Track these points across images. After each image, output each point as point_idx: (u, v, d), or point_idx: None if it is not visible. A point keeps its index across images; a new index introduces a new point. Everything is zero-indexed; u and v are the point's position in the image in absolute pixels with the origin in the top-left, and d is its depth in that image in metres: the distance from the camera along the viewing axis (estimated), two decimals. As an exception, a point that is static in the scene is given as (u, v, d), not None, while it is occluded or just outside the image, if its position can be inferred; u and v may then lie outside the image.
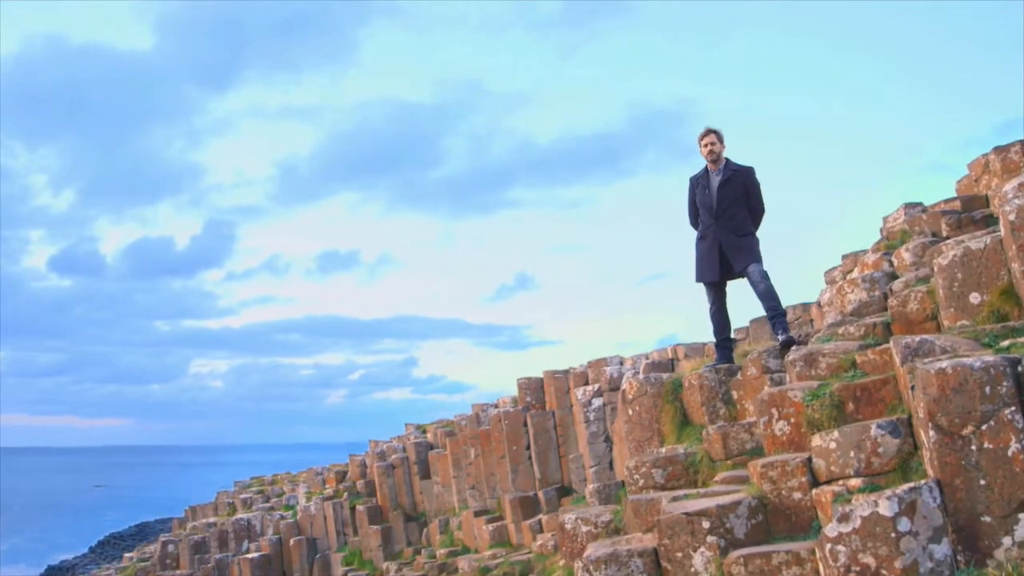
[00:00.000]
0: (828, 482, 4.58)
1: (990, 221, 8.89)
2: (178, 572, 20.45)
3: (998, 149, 9.32)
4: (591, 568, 4.95)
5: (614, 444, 14.22)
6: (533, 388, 16.09)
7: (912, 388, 4.29)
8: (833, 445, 4.55)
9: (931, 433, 4.00)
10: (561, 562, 11.79)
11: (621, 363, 14.89)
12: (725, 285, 7.46)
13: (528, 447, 15.65)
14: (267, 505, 22.04)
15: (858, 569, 3.88)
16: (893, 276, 8.49)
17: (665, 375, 7.64)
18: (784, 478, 4.72)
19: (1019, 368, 3.96)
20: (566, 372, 15.61)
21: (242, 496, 23.41)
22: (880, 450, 4.40)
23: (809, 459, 4.71)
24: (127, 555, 24.75)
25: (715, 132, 7.32)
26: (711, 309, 7.47)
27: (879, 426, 4.43)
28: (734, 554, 4.51)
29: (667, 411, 7.24)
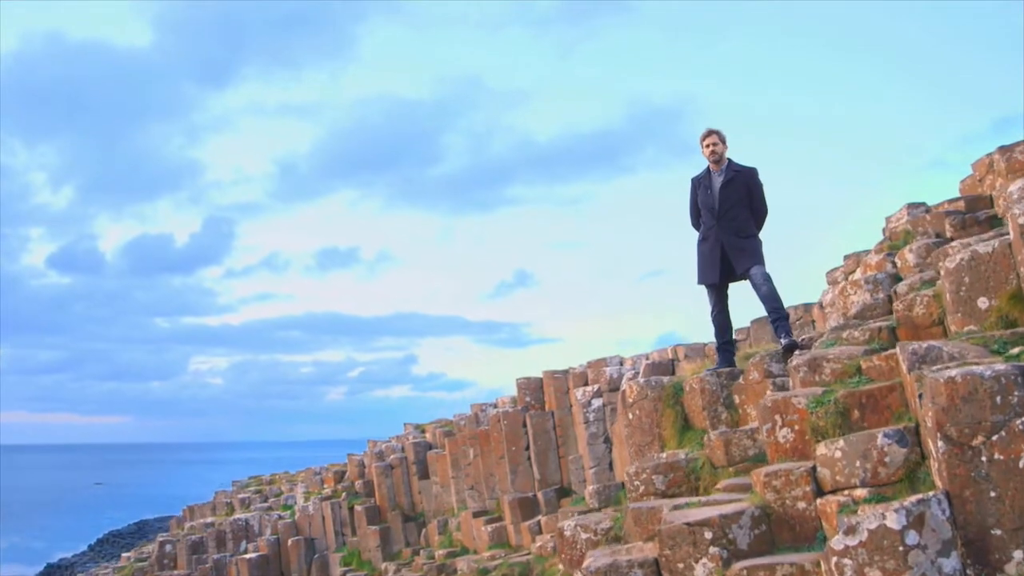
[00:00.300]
0: (833, 492, 4.48)
1: (995, 222, 8.78)
2: (176, 572, 20.35)
3: (1003, 149, 9.20)
4: (591, 578, 4.85)
5: (614, 445, 14.12)
6: (532, 388, 15.98)
7: (920, 396, 4.18)
8: (838, 454, 4.45)
9: (940, 443, 3.89)
10: (560, 567, 11.71)
11: (621, 363, 14.79)
12: (727, 287, 7.35)
13: (527, 448, 15.55)
14: (265, 505, 21.95)
15: (865, 583, 3.78)
16: (897, 277, 8.38)
17: (666, 379, 7.53)
18: (788, 487, 4.62)
19: (1031, 376, 3.85)
20: (565, 372, 15.50)
21: (240, 496, 23.32)
22: (887, 460, 4.30)
23: (814, 468, 4.60)
24: (125, 555, 24.66)
25: (717, 133, 7.22)
26: (712, 312, 7.36)
27: (886, 435, 4.32)
28: (737, 565, 4.41)
29: (668, 415, 7.13)
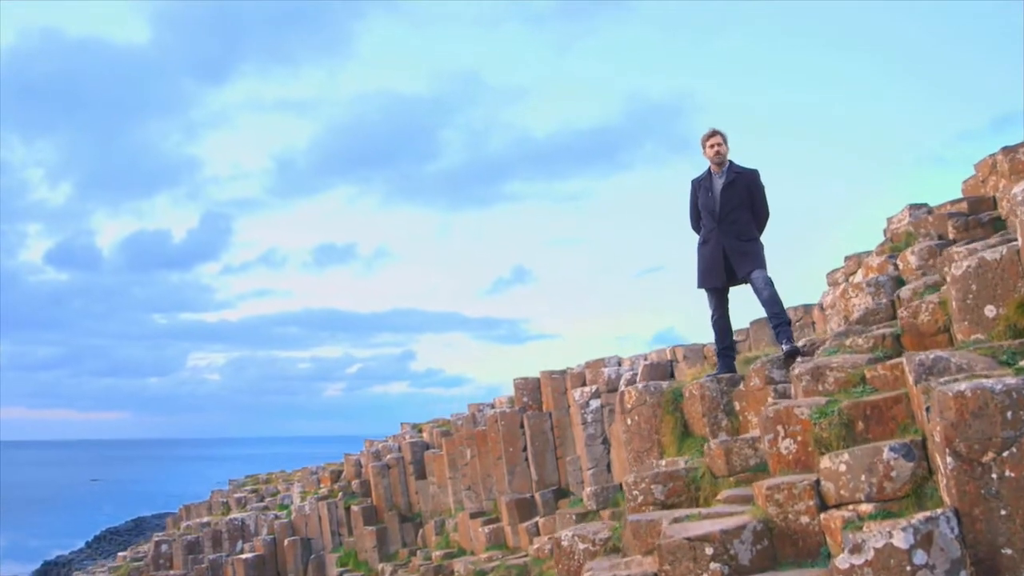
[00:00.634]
0: (838, 506, 4.36)
1: (998, 224, 8.66)
2: (172, 572, 20.24)
3: (1006, 150, 9.08)
4: (589, 593, 4.74)
5: (612, 447, 14.01)
6: (530, 388, 15.86)
7: (927, 409, 4.07)
8: (843, 468, 4.33)
9: (948, 459, 3.78)
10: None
11: (619, 364, 14.67)
12: (728, 292, 7.23)
13: (525, 448, 15.43)
14: (261, 504, 21.83)
15: (871, 603, 3.66)
16: (899, 280, 8.27)
17: (665, 384, 7.41)
18: (791, 501, 4.50)
19: (1042, 391, 3.73)
20: (563, 373, 15.38)
21: (236, 495, 23.19)
22: (893, 474, 4.18)
23: (817, 481, 4.48)
24: (121, 554, 24.53)
25: (721, 133, 7.09)
26: (713, 316, 7.24)
27: (892, 449, 4.20)
28: (738, 582, 4.29)
29: (667, 421, 7.02)
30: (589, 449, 14.22)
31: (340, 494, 19.53)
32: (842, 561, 3.78)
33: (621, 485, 13.42)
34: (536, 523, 14.60)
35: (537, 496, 15.01)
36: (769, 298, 6.91)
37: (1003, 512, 3.69)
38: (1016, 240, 5.16)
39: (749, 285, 7.07)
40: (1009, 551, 3.68)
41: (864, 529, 4.05)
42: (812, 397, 5.19)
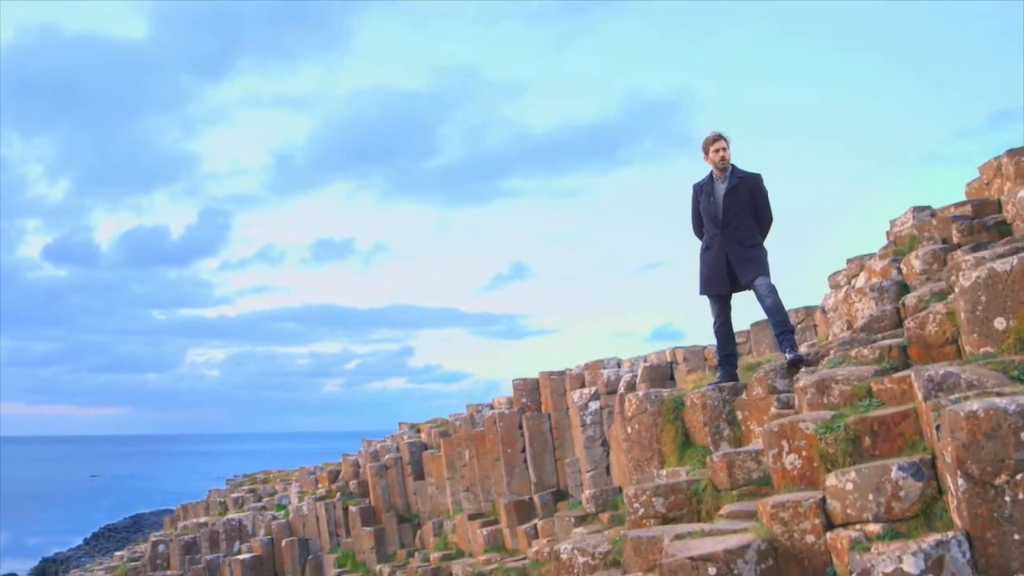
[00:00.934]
0: (844, 526, 4.24)
1: (1003, 228, 8.54)
2: (169, 573, 20.15)
3: (1011, 152, 8.96)
4: (588, 612, 4.63)
5: (611, 449, 13.91)
6: (529, 389, 15.76)
7: (937, 428, 3.95)
8: (850, 486, 4.21)
9: (960, 481, 3.66)
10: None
11: (618, 365, 14.57)
12: (730, 298, 7.11)
13: (523, 450, 15.33)
14: (259, 504, 21.73)
15: (880, 629, 3.55)
16: (903, 285, 8.15)
17: (666, 392, 7.29)
18: (796, 519, 4.38)
19: (1057, 411, 3.62)
20: (562, 373, 15.28)
21: (233, 495, 23.09)
22: (901, 494, 4.06)
23: (823, 500, 4.36)
24: (118, 553, 24.45)
25: (725, 138, 6.96)
26: (715, 323, 7.11)
27: (900, 468, 4.09)
28: (742, 603, 4.18)
29: (668, 430, 6.90)
30: (588, 451, 14.12)
31: (338, 494, 19.43)
32: (850, 585, 3.67)
33: (620, 488, 13.34)
34: (535, 526, 14.50)
35: (536, 498, 14.92)
36: (772, 306, 6.79)
37: (1016, 536, 3.58)
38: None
39: (752, 292, 6.95)
40: (1023, 577, 3.57)
41: (872, 550, 3.94)
42: (817, 411, 5.07)
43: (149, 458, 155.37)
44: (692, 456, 6.62)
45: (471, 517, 15.89)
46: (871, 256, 10.03)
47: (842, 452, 4.56)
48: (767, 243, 7.23)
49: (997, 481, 3.61)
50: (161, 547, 20.90)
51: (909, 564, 3.56)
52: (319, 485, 20.65)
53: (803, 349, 8.69)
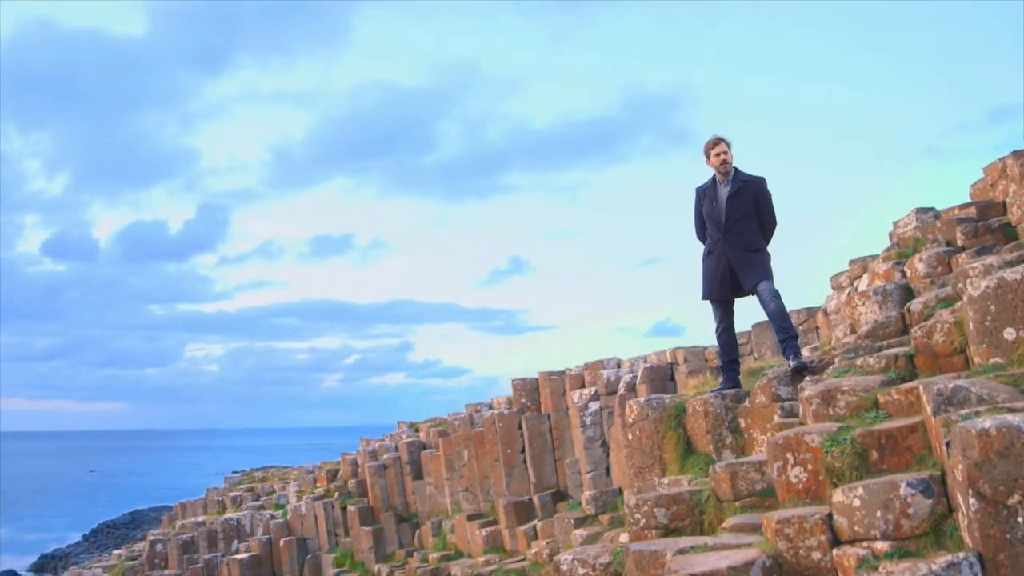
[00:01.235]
0: (851, 542, 4.15)
1: (1008, 230, 8.44)
2: (167, 572, 20.08)
3: (1016, 153, 8.86)
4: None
5: (611, 450, 13.83)
6: (528, 389, 15.67)
7: (947, 444, 3.86)
8: (857, 503, 4.12)
9: (972, 501, 3.57)
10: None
11: (618, 365, 14.48)
12: (733, 303, 7.01)
13: (523, 450, 15.25)
14: (257, 503, 21.66)
15: (889, 653, 3.46)
16: (907, 289, 8.05)
17: (667, 398, 7.19)
18: (802, 536, 4.29)
19: (1071, 429, 3.52)
20: (562, 374, 15.19)
21: (232, 494, 23.02)
22: (910, 511, 3.97)
23: (830, 515, 4.27)
24: (116, 552, 24.39)
25: (726, 141, 6.85)
26: (717, 329, 7.01)
27: (909, 484, 3.99)
28: (747, 621, 4.09)
29: (670, 437, 6.81)
30: (588, 452, 14.03)
31: (336, 494, 19.36)
32: (858, 607, 3.58)
33: (620, 489, 13.25)
34: (534, 527, 14.43)
35: (535, 499, 14.84)
36: (776, 311, 6.69)
37: (1029, 558, 3.49)
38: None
39: (756, 297, 6.85)
40: (1036, 599, 3.48)
41: (880, 569, 3.85)
42: (823, 422, 4.97)
43: (148, 453, 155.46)
44: (694, 464, 6.53)
45: (470, 518, 15.81)
46: (874, 258, 9.93)
47: (848, 466, 4.46)
48: (770, 247, 7.13)
49: (1010, 501, 3.52)
50: (159, 546, 20.83)
51: (919, 586, 3.47)
52: (317, 484, 20.58)
53: (806, 353, 8.60)
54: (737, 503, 5.36)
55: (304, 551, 19.23)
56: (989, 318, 4.77)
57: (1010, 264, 5.54)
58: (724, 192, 6.82)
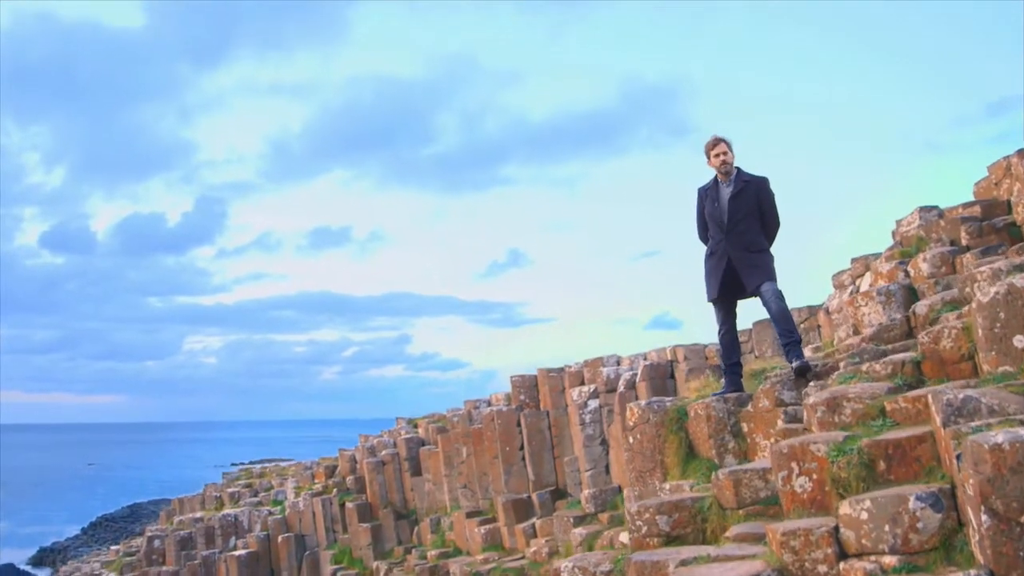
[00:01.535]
0: (858, 556, 4.06)
1: (1013, 230, 8.34)
2: (164, 568, 20.02)
3: (1022, 152, 8.75)
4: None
5: (610, 448, 13.75)
6: (527, 386, 15.59)
7: (958, 457, 3.77)
8: (865, 516, 4.03)
9: (984, 517, 3.48)
10: (557, 563, 11.37)
11: (618, 363, 14.39)
12: (736, 305, 6.91)
13: (522, 447, 15.17)
14: (255, 499, 21.60)
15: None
16: (911, 289, 7.96)
17: (668, 401, 7.10)
18: (808, 548, 4.20)
19: (1086, 443, 3.43)
20: (561, 371, 15.11)
21: (229, 490, 22.95)
22: (919, 525, 3.88)
23: (836, 528, 4.18)
24: (113, 547, 24.34)
25: (725, 141, 6.74)
26: (720, 331, 6.91)
27: (918, 498, 3.90)
28: (752, 636, 4.01)
29: (671, 441, 6.72)
30: (587, 450, 13.96)
31: (334, 490, 19.29)
32: (867, 626, 3.49)
33: (620, 488, 13.18)
34: (533, 525, 14.36)
35: (534, 496, 14.77)
36: (779, 313, 6.59)
37: (1043, 576, 3.40)
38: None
39: (758, 298, 6.75)
40: (1049, 619, 3.39)
41: (888, 586, 3.76)
42: (828, 430, 4.88)
43: (146, 446, 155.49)
44: (696, 469, 6.44)
45: (469, 515, 15.74)
46: (876, 256, 9.83)
47: (855, 477, 4.37)
48: (773, 247, 7.02)
49: (1023, 518, 3.43)
50: (156, 542, 20.78)
51: (930, 605, 3.38)
52: (315, 480, 20.51)
53: (808, 353, 8.50)
54: (740, 511, 5.27)
55: (302, 548, 19.17)
56: (998, 325, 4.68)
57: (1019, 268, 5.45)
58: (726, 192, 6.72)
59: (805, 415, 5.44)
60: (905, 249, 9.17)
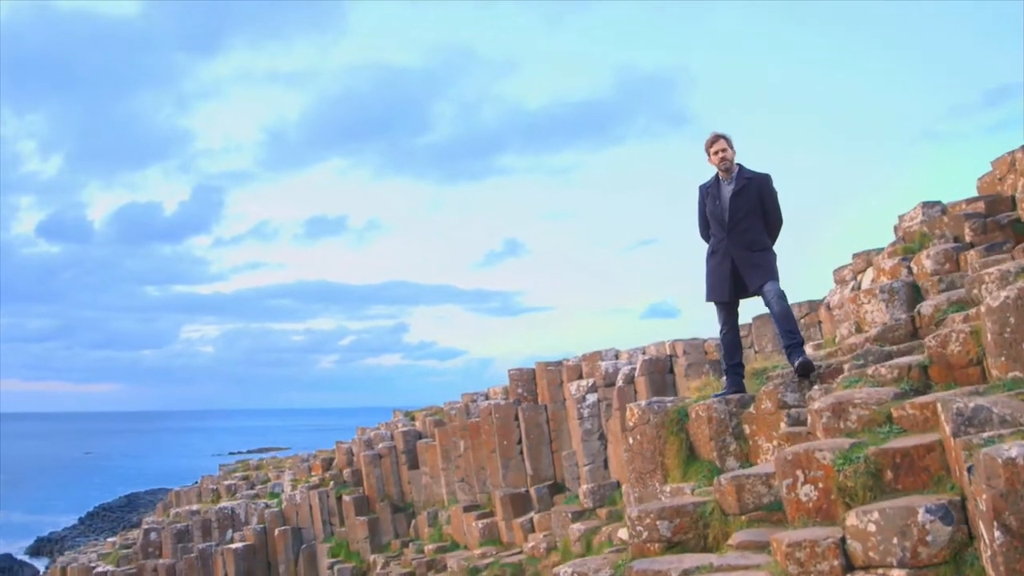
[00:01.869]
0: (865, 569, 3.96)
1: (1017, 226, 8.24)
2: (160, 561, 19.96)
3: (1026, 147, 8.65)
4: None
5: (609, 442, 13.67)
6: (525, 379, 15.51)
7: (969, 469, 3.67)
8: (872, 527, 3.93)
9: (996, 533, 3.38)
10: (554, 568, 11.29)
11: (616, 357, 14.31)
12: (737, 305, 6.79)
13: (519, 441, 15.10)
14: (252, 492, 21.53)
15: None
16: (914, 287, 7.85)
17: (669, 401, 6.99)
18: (813, 560, 4.10)
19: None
20: (559, 364, 15.02)
21: (226, 483, 22.88)
22: (929, 539, 3.79)
23: (843, 539, 4.08)
24: (110, 540, 24.26)
25: (725, 138, 6.60)
26: (721, 331, 6.79)
27: (928, 510, 3.81)
28: (756, 650, 3.92)
29: (672, 443, 6.62)
30: (585, 444, 13.88)
31: (331, 483, 19.22)
32: (875, 644, 3.40)
33: (619, 483, 13.11)
34: (531, 519, 14.30)
35: (532, 491, 14.71)
36: (781, 313, 6.47)
37: (1058, 594, 3.31)
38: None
39: (761, 298, 6.63)
40: (1063, 638, 3.30)
41: (897, 601, 3.67)
42: (834, 437, 4.78)
43: (143, 435, 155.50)
44: (697, 471, 6.34)
45: (466, 509, 15.69)
46: (878, 252, 9.72)
47: (862, 486, 4.27)
48: (775, 246, 6.90)
49: (1037, 535, 3.33)
50: (153, 535, 20.71)
51: (941, 623, 3.29)
52: (312, 473, 20.45)
53: (809, 350, 8.40)
54: (743, 517, 5.17)
55: (299, 541, 19.12)
56: (1008, 330, 4.57)
57: (1028, 271, 5.34)
58: (728, 190, 6.59)
59: (809, 419, 5.35)
60: (908, 245, 9.06)
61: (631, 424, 6.96)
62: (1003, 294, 4.58)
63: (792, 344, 6.37)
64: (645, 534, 5.40)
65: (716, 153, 6.59)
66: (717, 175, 6.71)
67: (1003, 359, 4.60)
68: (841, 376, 5.75)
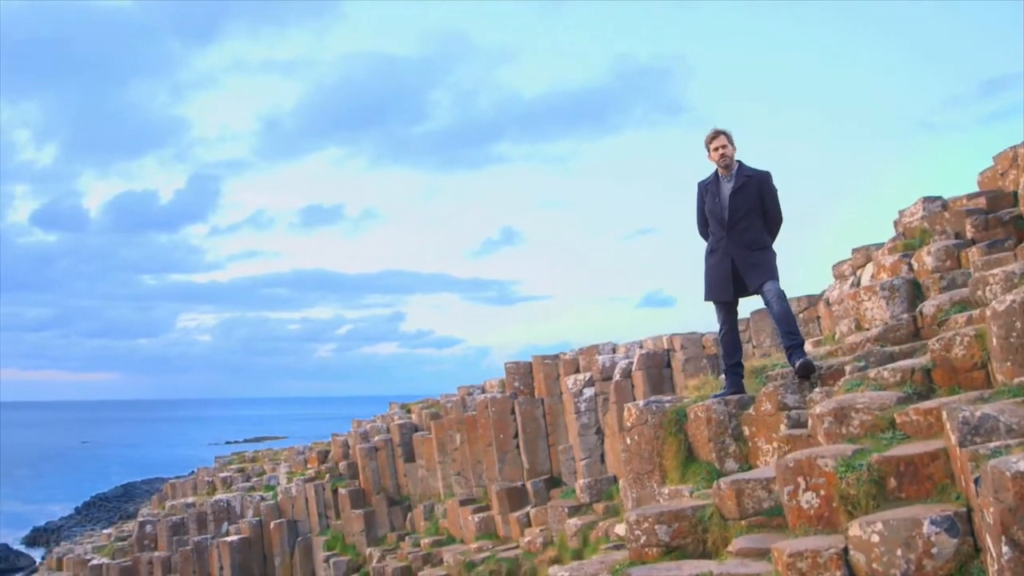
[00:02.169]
0: (868, 580, 3.89)
1: (1019, 223, 8.14)
2: (156, 554, 19.90)
3: (1029, 143, 8.54)
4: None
5: (606, 437, 13.61)
6: (521, 373, 15.43)
7: (976, 481, 3.58)
8: (876, 538, 3.85)
9: (1004, 548, 3.30)
10: (549, 569, 11.25)
11: (613, 351, 14.23)
12: (737, 304, 6.69)
13: (516, 435, 15.04)
14: (247, 485, 21.46)
15: None
16: (915, 284, 7.77)
17: (667, 401, 6.90)
18: (815, 571, 4.02)
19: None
20: (556, 358, 14.94)
21: (222, 475, 22.80)
22: (934, 551, 3.71)
23: (846, 550, 4.00)
24: (105, 532, 24.20)
25: (725, 134, 6.47)
26: (721, 331, 6.69)
27: (933, 522, 3.72)
28: (757, 662, 3.85)
29: (670, 444, 6.53)
30: (582, 439, 13.81)
31: (327, 476, 19.16)
32: (880, 661, 3.32)
33: (615, 477, 13.05)
34: (527, 513, 14.25)
35: (528, 485, 14.65)
36: (781, 314, 6.37)
37: (1067, 611, 3.22)
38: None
39: (760, 297, 6.54)
40: (1072, 656, 3.22)
41: (901, 614, 3.59)
42: (836, 443, 4.70)
43: (140, 424, 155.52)
44: (696, 473, 6.26)
45: (462, 503, 15.63)
46: (878, 247, 9.63)
47: (865, 494, 4.19)
48: (775, 244, 6.80)
49: (1047, 550, 3.25)
50: (148, 527, 20.64)
51: (947, 641, 3.21)
52: (308, 466, 20.38)
53: (808, 347, 8.32)
54: (743, 522, 5.08)
55: (295, 534, 19.07)
56: (1014, 334, 4.48)
57: (1034, 273, 5.25)
58: (727, 188, 6.48)
59: (811, 424, 5.26)
60: (908, 241, 8.97)
61: (629, 424, 6.87)
62: (1009, 298, 4.49)
63: (792, 345, 6.28)
64: (643, 538, 5.32)
65: (716, 149, 6.47)
66: (716, 172, 6.59)
67: (1009, 364, 4.51)
68: (843, 379, 5.66)
